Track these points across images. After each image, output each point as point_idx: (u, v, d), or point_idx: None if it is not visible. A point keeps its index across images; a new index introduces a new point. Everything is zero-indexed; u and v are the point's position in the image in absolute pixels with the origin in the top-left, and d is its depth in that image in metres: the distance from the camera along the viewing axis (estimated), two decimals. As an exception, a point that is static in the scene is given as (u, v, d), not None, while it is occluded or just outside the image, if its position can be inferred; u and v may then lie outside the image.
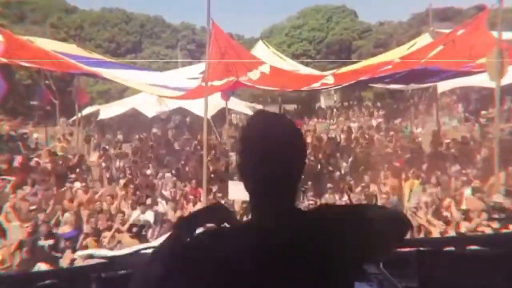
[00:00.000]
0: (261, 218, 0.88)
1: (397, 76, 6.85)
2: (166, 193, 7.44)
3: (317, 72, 10.22)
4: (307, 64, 16.17)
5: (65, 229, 5.82)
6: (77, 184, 7.55)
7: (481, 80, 8.54)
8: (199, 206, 6.69)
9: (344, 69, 8.47)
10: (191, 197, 7.06)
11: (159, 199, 7.04)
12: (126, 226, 5.68)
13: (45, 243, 5.09)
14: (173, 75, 11.87)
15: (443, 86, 11.06)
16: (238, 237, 0.84)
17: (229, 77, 7.08)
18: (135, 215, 6.15)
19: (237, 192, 6.06)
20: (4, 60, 6.55)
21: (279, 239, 0.83)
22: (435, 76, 7.20)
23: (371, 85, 10.14)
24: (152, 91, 8.54)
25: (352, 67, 8.51)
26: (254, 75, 7.24)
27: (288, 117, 0.96)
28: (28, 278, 1.50)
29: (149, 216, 6.20)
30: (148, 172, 9.12)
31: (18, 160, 8.84)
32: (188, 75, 10.72)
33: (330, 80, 7.33)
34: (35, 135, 13.78)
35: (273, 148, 0.86)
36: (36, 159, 9.35)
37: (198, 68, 11.48)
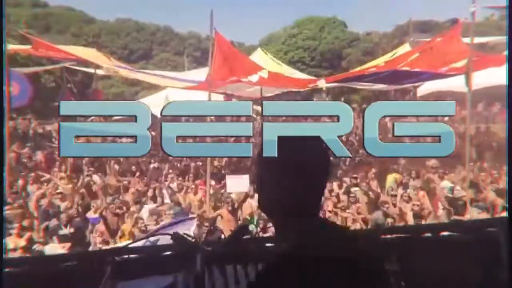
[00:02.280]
0: (292, 232, 0.82)
1: (382, 75, 6.95)
2: (172, 185, 7.43)
3: (311, 77, 10.26)
4: (302, 71, 16.12)
5: (91, 214, 5.86)
6: (95, 177, 7.56)
7: (455, 85, 8.61)
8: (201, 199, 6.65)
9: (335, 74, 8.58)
10: (194, 189, 7.03)
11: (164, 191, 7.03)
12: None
13: (66, 231, 5.07)
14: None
15: (422, 90, 11.09)
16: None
17: (232, 77, 7.16)
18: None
19: (235, 186, 6.09)
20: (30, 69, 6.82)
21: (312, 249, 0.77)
22: (416, 77, 7.27)
23: (358, 87, 10.09)
24: (166, 83, 8.61)
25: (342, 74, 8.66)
26: (254, 78, 7.30)
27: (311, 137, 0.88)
28: (50, 260, 1.51)
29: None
30: (156, 165, 9.11)
31: (41, 154, 8.85)
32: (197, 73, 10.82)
33: (322, 83, 7.41)
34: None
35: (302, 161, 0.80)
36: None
37: (205, 70, 11.58)
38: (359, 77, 7.67)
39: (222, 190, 6.79)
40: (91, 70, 10.81)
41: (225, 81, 7.27)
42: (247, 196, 5.89)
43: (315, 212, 0.85)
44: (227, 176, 6.43)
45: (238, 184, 6.10)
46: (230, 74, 7.11)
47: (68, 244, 4.47)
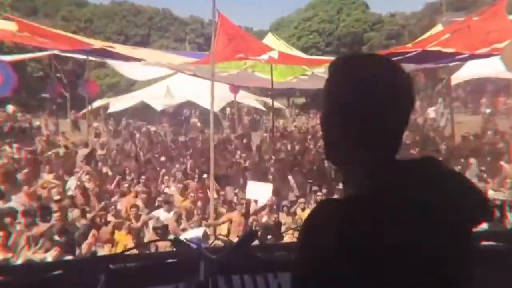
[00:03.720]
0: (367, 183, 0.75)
1: (409, 55, 6.66)
2: (172, 188, 7.42)
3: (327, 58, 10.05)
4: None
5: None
6: (84, 178, 7.63)
7: (497, 71, 8.34)
8: (204, 202, 6.61)
9: None
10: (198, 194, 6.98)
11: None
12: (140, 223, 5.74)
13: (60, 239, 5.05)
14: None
15: (457, 77, 10.82)
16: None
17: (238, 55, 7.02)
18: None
19: (255, 192, 6.08)
20: (15, 57, 6.77)
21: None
22: (449, 57, 6.94)
23: None
24: (169, 59, 8.58)
25: None
26: (263, 57, 7.19)
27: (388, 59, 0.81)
28: (35, 269, 1.52)
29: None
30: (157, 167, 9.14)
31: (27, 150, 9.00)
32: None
33: None
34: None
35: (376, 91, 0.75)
36: (54, 151, 9.51)
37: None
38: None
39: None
40: (83, 57, 10.89)
41: (231, 58, 7.14)
42: (263, 208, 5.92)
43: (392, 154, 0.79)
44: (249, 181, 6.35)
45: (260, 191, 6.09)
46: (235, 54, 6.98)
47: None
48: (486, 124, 12.37)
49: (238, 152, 10.30)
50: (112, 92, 25.02)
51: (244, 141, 12.23)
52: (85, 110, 13.93)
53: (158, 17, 40.19)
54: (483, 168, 7.17)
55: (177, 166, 9.09)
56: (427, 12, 28.27)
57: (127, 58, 7.82)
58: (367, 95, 0.75)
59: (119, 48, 7.86)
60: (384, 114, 0.75)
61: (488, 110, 15.24)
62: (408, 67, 8.64)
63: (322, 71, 8.14)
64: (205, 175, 7.58)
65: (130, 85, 24.96)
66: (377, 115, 0.75)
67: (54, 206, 5.86)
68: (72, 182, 7.45)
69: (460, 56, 6.58)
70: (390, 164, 0.77)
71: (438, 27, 9.00)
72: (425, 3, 31.38)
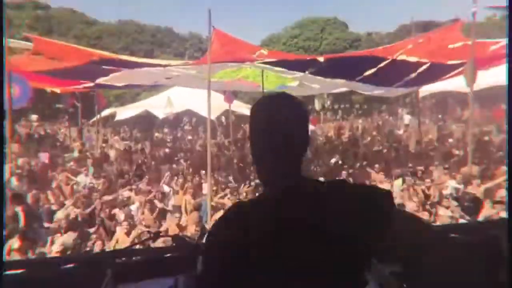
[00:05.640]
0: (272, 187, 0.85)
1: (381, 66, 6.81)
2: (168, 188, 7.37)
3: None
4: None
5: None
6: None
7: (457, 85, 8.58)
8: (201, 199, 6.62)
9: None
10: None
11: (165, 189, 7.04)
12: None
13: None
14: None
15: (424, 91, 11.07)
16: (254, 210, 0.81)
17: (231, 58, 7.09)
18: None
19: None
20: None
21: (291, 206, 0.80)
22: (411, 71, 7.11)
23: (360, 91, 9.86)
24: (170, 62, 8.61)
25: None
26: (254, 55, 7.28)
27: (289, 94, 0.93)
28: (49, 263, 1.51)
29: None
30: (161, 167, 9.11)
31: (44, 156, 8.87)
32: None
33: (320, 59, 7.34)
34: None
35: (275, 121, 0.86)
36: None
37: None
38: (355, 61, 7.36)
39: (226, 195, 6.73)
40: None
41: (225, 59, 7.19)
42: None
43: (298, 171, 0.88)
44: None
45: None
46: (228, 55, 7.06)
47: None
48: (443, 131, 12.67)
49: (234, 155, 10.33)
50: (119, 102, 24.81)
51: (239, 145, 12.25)
52: (94, 119, 13.82)
53: (160, 34, 40.13)
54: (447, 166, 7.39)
55: (174, 166, 9.08)
56: (400, 33, 28.87)
57: (138, 65, 7.68)
58: (271, 129, 0.85)
59: (123, 57, 7.89)
60: (283, 142, 0.85)
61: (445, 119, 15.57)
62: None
63: (310, 80, 8.29)
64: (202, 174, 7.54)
65: (136, 96, 24.81)
66: (278, 143, 0.85)
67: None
68: (82, 180, 7.46)
69: (422, 68, 6.75)
70: (288, 178, 0.85)
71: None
72: (399, 24, 32.10)
